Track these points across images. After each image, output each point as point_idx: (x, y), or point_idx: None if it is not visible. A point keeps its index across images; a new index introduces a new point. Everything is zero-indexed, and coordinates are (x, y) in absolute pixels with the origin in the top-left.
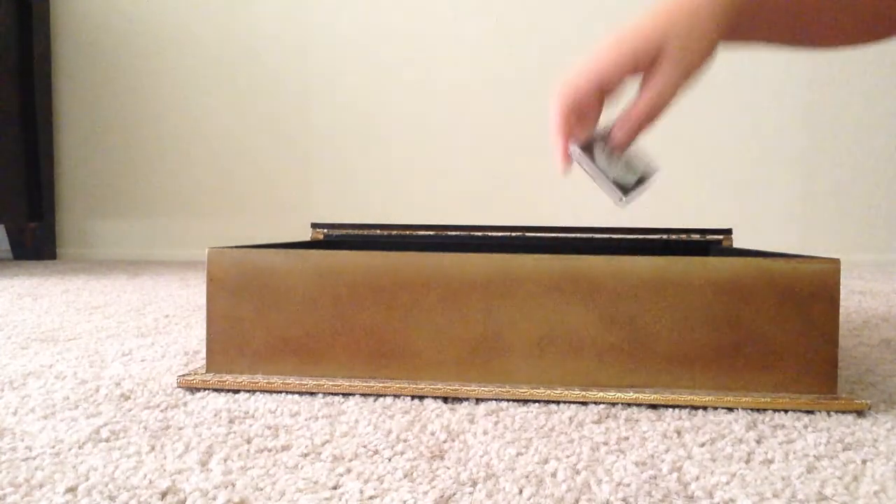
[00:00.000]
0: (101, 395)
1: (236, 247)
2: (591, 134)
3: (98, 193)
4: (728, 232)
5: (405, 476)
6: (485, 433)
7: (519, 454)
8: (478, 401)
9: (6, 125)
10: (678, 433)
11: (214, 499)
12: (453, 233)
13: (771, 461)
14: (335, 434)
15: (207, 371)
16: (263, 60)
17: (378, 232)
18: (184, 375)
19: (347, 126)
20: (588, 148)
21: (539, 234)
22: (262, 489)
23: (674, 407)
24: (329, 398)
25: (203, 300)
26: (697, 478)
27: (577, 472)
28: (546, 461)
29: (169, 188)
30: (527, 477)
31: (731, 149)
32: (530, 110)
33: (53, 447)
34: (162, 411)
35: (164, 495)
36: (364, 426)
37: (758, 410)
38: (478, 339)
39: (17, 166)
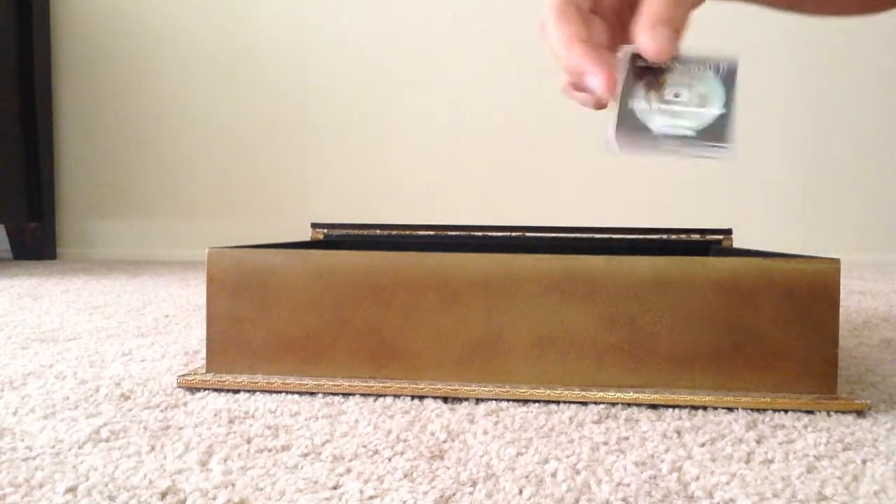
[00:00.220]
0: (101, 395)
1: (236, 247)
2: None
3: (98, 193)
4: (728, 232)
5: (405, 476)
6: (485, 433)
7: (519, 454)
8: (478, 401)
9: (6, 125)
10: (678, 433)
11: (214, 499)
12: (453, 233)
13: (771, 461)
14: (335, 434)
15: (207, 371)
16: (263, 61)
17: (378, 232)
18: (184, 375)
19: (347, 126)
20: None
21: (539, 234)
22: (262, 489)
23: (674, 407)
24: (329, 398)
25: (203, 300)
26: (697, 478)
27: (577, 472)
28: (546, 461)
29: (169, 188)
30: (527, 477)
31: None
32: (531, 110)
33: (53, 447)
34: (162, 411)
35: (164, 495)
36: (364, 426)
37: (758, 410)
38: (478, 339)
39: (17, 166)
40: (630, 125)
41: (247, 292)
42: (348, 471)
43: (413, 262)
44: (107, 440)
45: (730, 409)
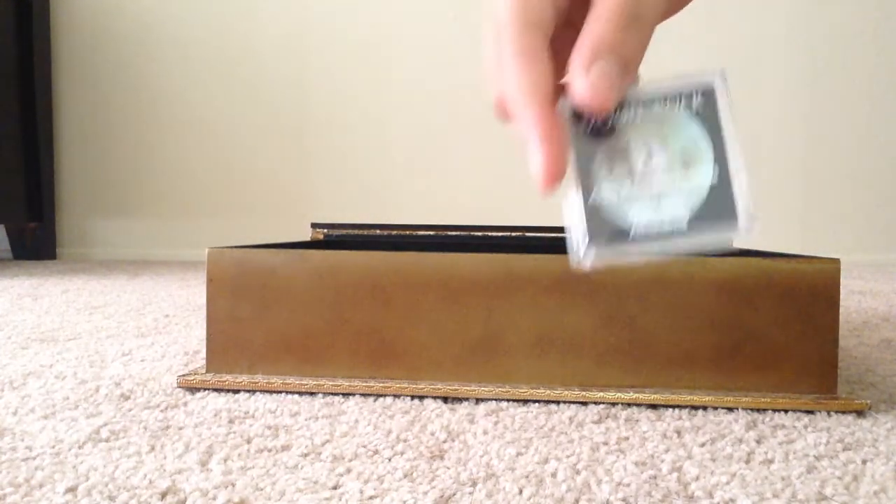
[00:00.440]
0: (101, 395)
1: (236, 247)
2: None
3: (98, 193)
4: None
5: (405, 476)
6: (485, 433)
7: (519, 454)
8: (478, 401)
9: (6, 125)
10: (678, 433)
11: (214, 499)
12: (453, 233)
13: (771, 461)
14: (335, 434)
15: (207, 371)
16: (263, 61)
17: (378, 232)
18: (184, 375)
19: (347, 126)
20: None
21: (539, 234)
22: (262, 489)
23: (674, 407)
24: (329, 398)
25: (203, 300)
26: (697, 478)
27: (577, 472)
28: (546, 461)
29: (169, 188)
30: (527, 477)
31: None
32: None
33: (53, 447)
34: (162, 411)
35: (164, 495)
36: (364, 426)
37: (758, 410)
38: (478, 339)
39: (17, 166)
40: (599, 227)
41: (247, 292)
42: (348, 471)
43: (413, 262)
44: (107, 440)
45: (730, 409)
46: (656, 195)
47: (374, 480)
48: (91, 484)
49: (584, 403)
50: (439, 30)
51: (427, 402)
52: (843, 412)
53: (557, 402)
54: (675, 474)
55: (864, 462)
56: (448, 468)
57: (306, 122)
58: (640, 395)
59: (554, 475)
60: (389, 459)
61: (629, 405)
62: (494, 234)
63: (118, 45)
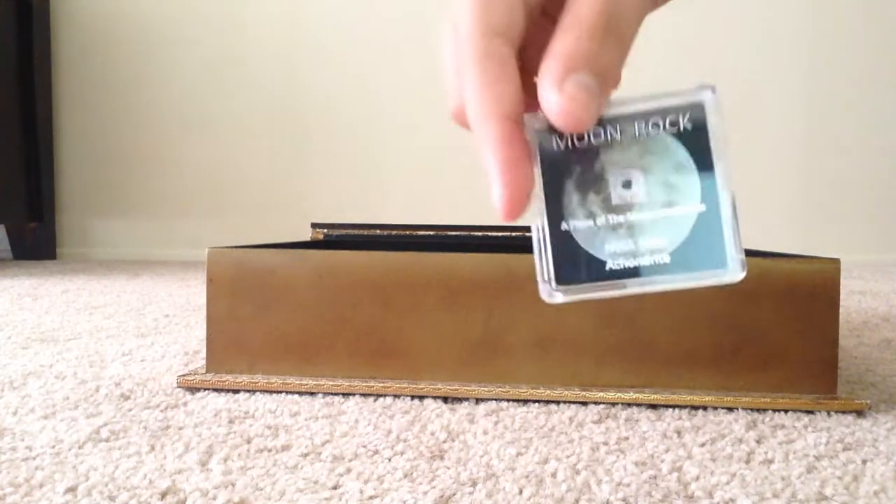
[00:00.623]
0: (101, 395)
1: (236, 247)
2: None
3: (98, 193)
4: None
5: (405, 476)
6: (485, 433)
7: (519, 454)
8: (478, 401)
9: (6, 125)
10: (678, 433)
11: (214, 499)
12: (453, 233)
13: (771, 461)
14: (335, 434)
15: (207, 371)
16: (262, 61)
17: (378, 232)
18: (184, 375)
19: (347, 126)
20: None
21: None
22: (262, 489)
23: (674, 407)
24: (329, 398)
25: (203, 300)
26: (697, 478)
27: (577, 472)
28: (546, 461)
29: (169, 188)
30: (527, 477)
31: (730, 148)
32: None
33: (53, 447)
34: (162, 411)
35: (164, 495)
36: (364, 426)
37: (758, 410)
38: (478, 339)
39: (17, 166)
40: (570, 260)
41: (247, 292)
42: (348, 471)
43: (413, 262)
44: (107, 440)
45: (730, 409)
46: (635, 225)
47: (374, 480)
48: (91, 484)
49: (584, 403)
50: (440, 30)
51: (427, 402)
52: (843, 412)
53: (557, 402)
54: (675, 474)
55: (864, 462)
56: (448, 468)
57: (306, 122)
58: (640, 395)
59: (554, 475)
60: (389, 459)
61: (629, 405)
62: (494, 234)
63: (118, 45)
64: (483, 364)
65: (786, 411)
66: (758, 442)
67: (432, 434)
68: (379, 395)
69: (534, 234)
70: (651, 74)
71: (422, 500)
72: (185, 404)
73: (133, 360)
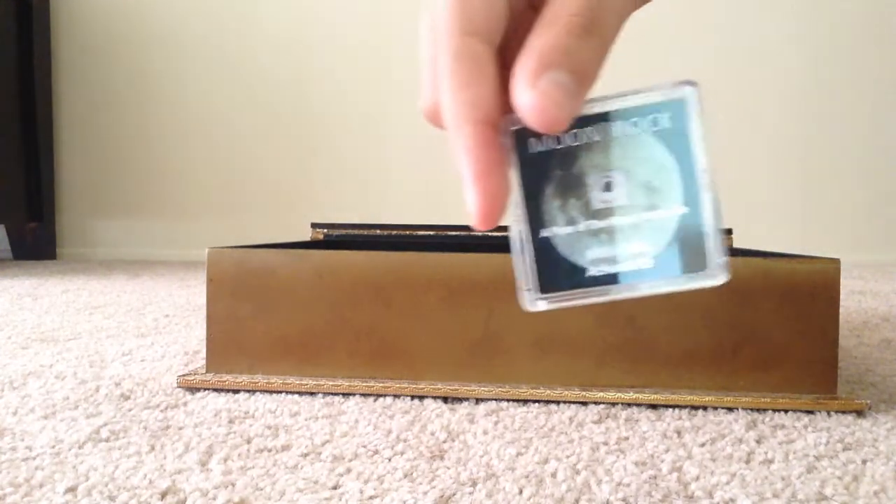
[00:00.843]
0: (101, 395)
1: (236, 247)
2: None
3: (98, 193)
4: (728, 232)
5: (405, 476)
6: (485, 433)
7: (519, 454)
8: (478, 401)
9: (6, 125)
10: (678, 433)
11: (214, 499)
12: (453, 233)
13: (771, 461)
14: (335, 434)
15: (207, 371)
16: (263, 60)
17: (378, 232)
18: (184, 375)
19: (348, 126)
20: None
21: None
22: (262, 489)
23: (674, 407)
24: (329, 398)
25: (203, 300)
26: (697, 478)
27: (577, 472)
28: (546, 461)
29: (169, 188)
30: (527, 477)
31: (730, 149)
32: None
33: (53, 447)
34: (162, 411)
35: (164, 495)
36: (364, 426)
37: (758, 410)
38: (478, 339)
39: (17, 166)
40: (551, 267)
41: (247, 292)
42: (348, 471)
43: (413, 262)
44: (107, 440)
45: (730, 409)
46: (616, 231)
47: (374, 480)
48: (91, 484)
49: (584, 403)
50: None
51: (427, 402)
52: (843, 412)
53: (557, 402)
54: (675, 474)
55: (864, 462)
56: (448, 468)
57: (306, 122)
58: (640, 395)
59: (554, 475)
60: (389, 459)
61: (629, 405)
62: (494, 234)
63: (118, 45)
64: (483, 364)
65: (786, 411)
66: (758, 442)
67: (432, 434)
68: (379, 395)
69: (513, 242)
70: (650, 74)
71: (422, 500)
72: (185, 404)
73: (133, 360)
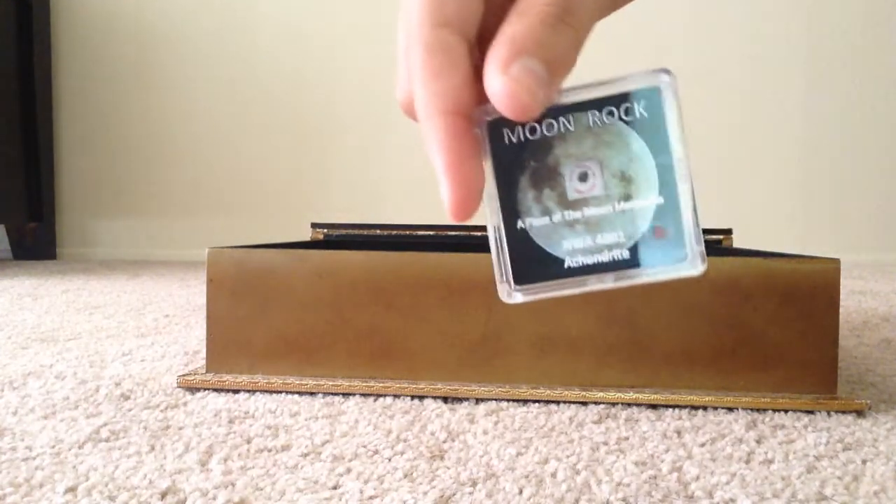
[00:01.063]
0: (101, 395)
1: (236, 247)
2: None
3: (98, 193)
4: (728, 232)
5: (405, 476)
6: (485, 433)
7: (519, 454)
8: (478, 401)
9: (6, 125)
10: (678, 433)
11: (214, 499)
12: (453, 233)
13: (771, 461)
14: (335, 434)
15: (207, 371)
16: (263, 61)
17: (378, 232)
18: (184, 375)
19: (347, 125)
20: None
21: None
22: (262, 489)
23: (674, 407)
24: (329, 398)
25: (203, 300)
26: (697, 478)
27: (577, 472)
28: (546, 461)
29: (169, 188)
30: (527, 477)
31: (730, 148)
32: None
33: (53, 447)
34: (162, 411)
35: (164, 495)
36: (364, 426)
37: (758, 410)
38: (478, 339)
39: (17, 166)
40: (528, 259)
41: (247, 292)
42: (348, 471)
43: (413, 262)
44: (107, 440)
45: (730, 409)
46: (592, 221)
47: (374, 480)
48: (91, 484)
49: (584, 403)
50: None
51: (427, 402)
52: (843, 412)
53: (557, 402)
54: (675, 474)
55: (864, 462)
56: (448, 468)
57: (306, 123)
58: (640, 395)
59: (554, 475)
60: (389, 459)
61: (629, 405)
62: None
63: (118, 45)
64: (483, 364)
65: (786, 411)
66: (758, 442)
67: (432, 434)
68: (379, 395)
69: (489, 233)
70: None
71: (422, 500)
72: (185, 404)
73: (133, 360)
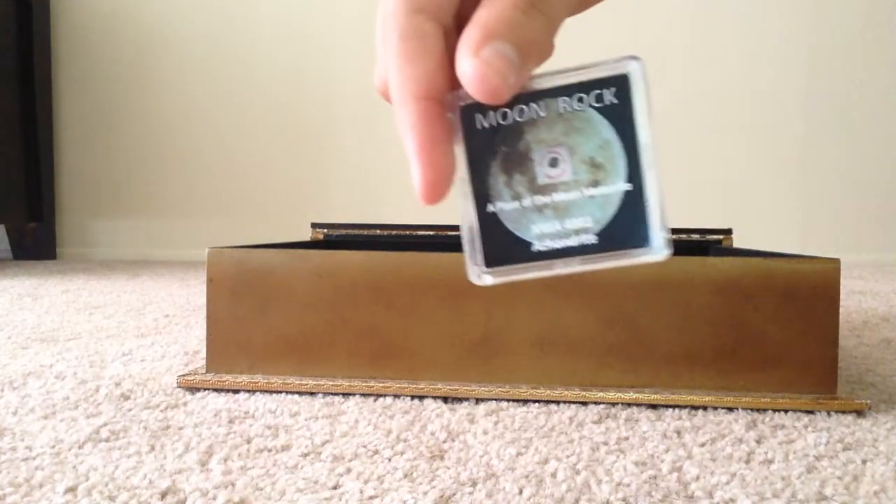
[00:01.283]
0: (101, 395)
1: (236, 247)
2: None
3: (98, 193)
4: (728, 232)
5: (405, 476)
6: (485, 433)
7: (519, 454)
8: (478, 401)
9: (6, 125)
10: (678, 433)
11: (214, 499)
12: (453, 233)
13: (771, 461)
14: (335, 434)
15: (207, 371)
16: (263, 61)
17: (378, 232)
18: (184, 375)
19: (347, 125)
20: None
21: None
22: (262, 489)
23: (674, 407)
24: (329, 398)
25: (203, 300)
26: (697, 478)
27: (577, 472)
28: (546, 461)
29: (169, 188)
30: (527, 477)
31: (730, 148)
32: None
33: (53, 447)
34: (162, 411)
35: (164, 495)
36: (364, 426)
37: (758, 410)
38: (478, 339)
39: (17, 166)
40: (497, 242)
41: (247, 292)
42: (348, 471)
43: (413, 262)
44: (107, 440)
45: (730, 409)
46: (561, 206)
47: (374, 480)
48: (91, 484)
49: (584, 403)
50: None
51: (427, 402)
52: (843, 412)
53: (557, 402)
54: (675, 474)
55: (864, 462)
56: (448, 468)
57: (306, 122)
58: (640, 395)
59: (554, 475)
60: (389, 459)
61: (629, 405)
62: None
63: (118, 45)
64: (483, 364)
65: (786, 411)
66: (758, 442)
67: (432, 434)
68: (379, 395)
69: (461, 217)
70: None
71: (422, 500)
72: (185, 404)
73: (133, 360)
